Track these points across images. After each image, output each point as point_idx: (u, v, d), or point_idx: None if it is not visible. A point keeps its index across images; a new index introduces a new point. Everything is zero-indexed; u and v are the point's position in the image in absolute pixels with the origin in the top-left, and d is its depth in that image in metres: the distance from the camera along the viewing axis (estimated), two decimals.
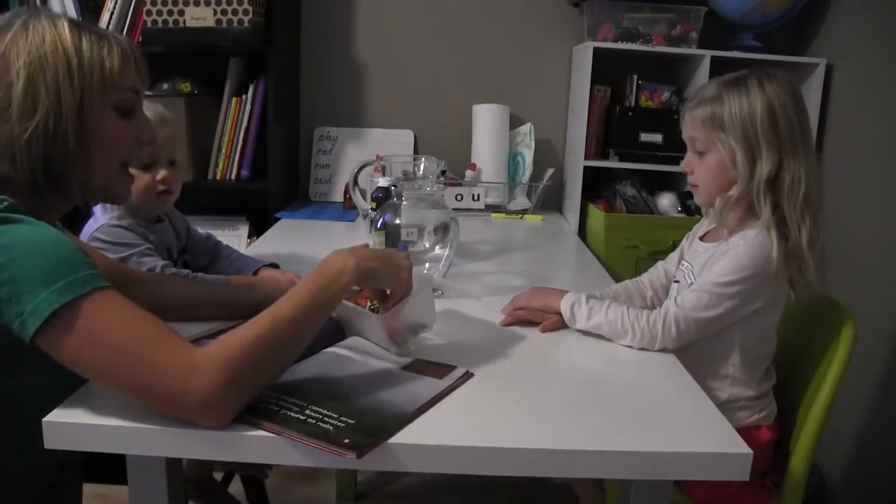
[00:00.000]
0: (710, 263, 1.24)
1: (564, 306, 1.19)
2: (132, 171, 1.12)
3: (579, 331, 1.19)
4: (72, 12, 2.14)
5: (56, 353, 0.78)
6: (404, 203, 1.34)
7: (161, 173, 1.33)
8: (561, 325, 1.21)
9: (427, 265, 1.35)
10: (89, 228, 1.31)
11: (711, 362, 1.26)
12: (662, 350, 1.14)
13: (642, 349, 1.14)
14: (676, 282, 1.37)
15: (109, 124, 0.94)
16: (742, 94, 1.22)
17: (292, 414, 0.82)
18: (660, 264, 1.48)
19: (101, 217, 1.32)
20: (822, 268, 1.24)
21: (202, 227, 1.57)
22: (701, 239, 1.37)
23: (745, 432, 1.22)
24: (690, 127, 1.29)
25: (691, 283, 1.28)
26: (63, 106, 0.89)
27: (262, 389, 0.85)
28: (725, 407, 0.93)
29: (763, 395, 1.31)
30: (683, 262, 1.38)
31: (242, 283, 1.28)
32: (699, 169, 1.29)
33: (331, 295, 0.90)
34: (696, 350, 1.21)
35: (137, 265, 1.24)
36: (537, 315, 1.22)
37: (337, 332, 1.09)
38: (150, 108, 1.29)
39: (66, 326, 0.77)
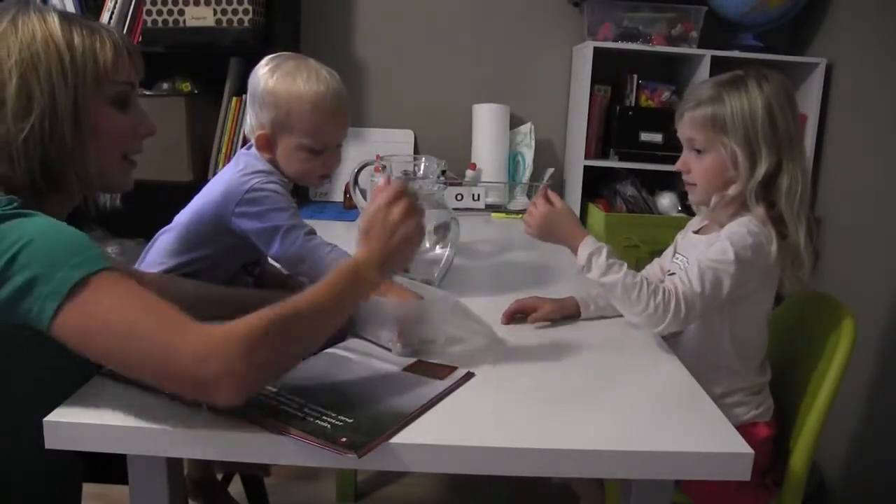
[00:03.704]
0: (714, 246, 1.23)
1: (582, 251, 1.17)
2: (303, 155, 1.18)
3: (584, 320, 1.19)
4: (71, 11, 2.14)
5: (70, 335, 0.77)
6: None
7: (329, 160, 1.26)
8: (554, 314, 1.22)
9: (428, 265, 1.35)
10: (236, 176, 1.22)
11: (705, 356, 1.25)
12: (668, 329, 1.13)
13: (644, 328, 1.14)
14: (672, 274, 1.37)
15: (106, 119, 0.93)
16: (742, 95, 1.22)
17: (291, 411, 0.83)
18: (655, 261, 1.48)
19: (253, 159, 1.24)
20: (814, 265, 1.24)
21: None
22: (695, 233, 1.38)
23: (743, 429, 1.21)
24: (690, 127, 1.28)
25: None
26: (58, 103, 0.88)
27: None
28: (721, 403, 0.93)
29: (759, 390, 1.31)
30: (678, 255, 1.38)
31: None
32: (697, 168, 1.28)
33: (363, 290, 0.92)
34: (689, 344, 1.21)
35: (290, 231, 1.17)
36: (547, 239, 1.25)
37: (337, 332, 1.09)
38: (334, 88, 1.21)
39: (80, 305, 0.76)
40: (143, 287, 0.80)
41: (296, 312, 0.82)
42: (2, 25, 0.87)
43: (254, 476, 1.74)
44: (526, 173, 2.41)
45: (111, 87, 0.93)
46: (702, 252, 1.24)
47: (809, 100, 2.23)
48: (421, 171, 1.46)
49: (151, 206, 1.47)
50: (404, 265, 0.97)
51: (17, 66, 0.86)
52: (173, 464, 0.88)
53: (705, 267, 1.17)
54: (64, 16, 0.90)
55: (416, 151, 2.51)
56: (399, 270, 1.00)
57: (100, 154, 0.93)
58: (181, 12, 2.07)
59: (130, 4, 2.16)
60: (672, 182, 2.38)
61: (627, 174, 2.33)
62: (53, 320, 0.76)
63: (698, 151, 1.28)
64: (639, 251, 2.15)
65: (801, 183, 1.21)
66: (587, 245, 1.17)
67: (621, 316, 1.19)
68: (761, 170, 1.20)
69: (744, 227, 1.19)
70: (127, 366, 0.78)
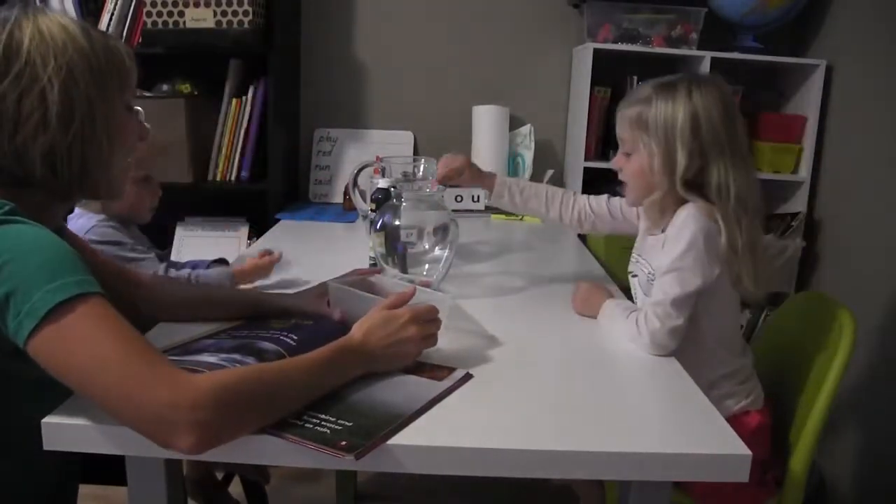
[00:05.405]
0: (664, 248, 1.24)
1: (602, 310, 1.26)
2: (138, 188, 1.23)
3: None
4: (72, 14, 2.14)
5: (45, 358, 0.75)
6: (404, 204, 1.34)
7: (156, 188, 1.40)
8: (464, 176, 1.45)
9: (427, 266, 1.35)
10: (80, 228, 1.31)
11: (688, 346, 1.25)
12: (661, 347, 1.14)
13: (644, 351, 1.14)
14: (634, 276, 1.39)
15: (127, 123, 0.95)
16: (669, 101, 1.24)
17: (290, 419, 0.82)
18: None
19: (87, 217, 1.32)
20: (761, 275, 1.23)
21: (202, 229, 1.58)
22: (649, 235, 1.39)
23: (735, 420, 1.22)
24: (619, 126, 1.32)
25: (649, 273, 1.29)
26: (96, 110, 0.89)
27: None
28: (710, 395, 0.93)
29: (746, 379, 1.30)
30: (637, 257, 1.39)
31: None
32: (626, 168, 1.32)
33: (344, 374, 0.91)
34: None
35: (137, 267, 1.25)
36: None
37: (336, 333, 1.08)
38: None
39: (57, 328, 0.74)
40: (123, 318, 0.77)
41: (272, 373, 0.83)
42: (28, 29, 0.86)
43: (254, 481, 1.75)
44: (526, 175, 2.41)
45: (129, 92, 0.95)
46: (658, 257, 1.25)
47: (809, 101, 2.23)
48: (420, 173, 1.47)
49: None
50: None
51: (55, 74, 0.85)
52: (171, 464, 0.88)
53: (663, 273, 1.20)
54: (77, 23, 0.91)
55: (415, 153, 2.52)
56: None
57: (117, 159, 0.95)
58: (181, 14, 2.07)
59: (130, 6, 2.16)
60: None
61: None
62: (30, 339, 0.74)
63: (628, 155, 1.31)
64: None
65: (736, 188, 1.21)
66: (603, 308, 1.25)
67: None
68: (680, 171, 1.22)
69: (690, 219, 1.20)
70: (97, 396, 0.75)
